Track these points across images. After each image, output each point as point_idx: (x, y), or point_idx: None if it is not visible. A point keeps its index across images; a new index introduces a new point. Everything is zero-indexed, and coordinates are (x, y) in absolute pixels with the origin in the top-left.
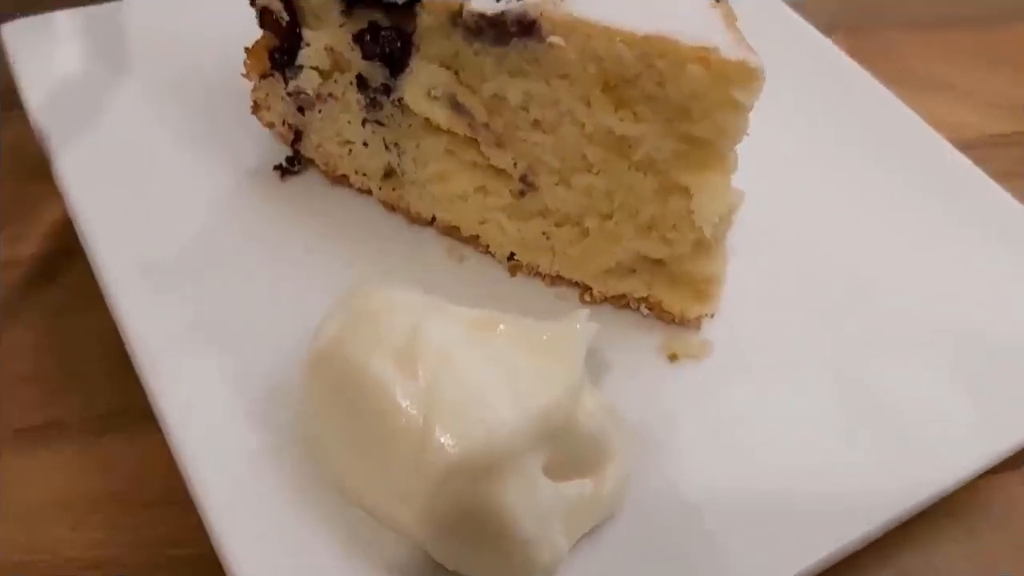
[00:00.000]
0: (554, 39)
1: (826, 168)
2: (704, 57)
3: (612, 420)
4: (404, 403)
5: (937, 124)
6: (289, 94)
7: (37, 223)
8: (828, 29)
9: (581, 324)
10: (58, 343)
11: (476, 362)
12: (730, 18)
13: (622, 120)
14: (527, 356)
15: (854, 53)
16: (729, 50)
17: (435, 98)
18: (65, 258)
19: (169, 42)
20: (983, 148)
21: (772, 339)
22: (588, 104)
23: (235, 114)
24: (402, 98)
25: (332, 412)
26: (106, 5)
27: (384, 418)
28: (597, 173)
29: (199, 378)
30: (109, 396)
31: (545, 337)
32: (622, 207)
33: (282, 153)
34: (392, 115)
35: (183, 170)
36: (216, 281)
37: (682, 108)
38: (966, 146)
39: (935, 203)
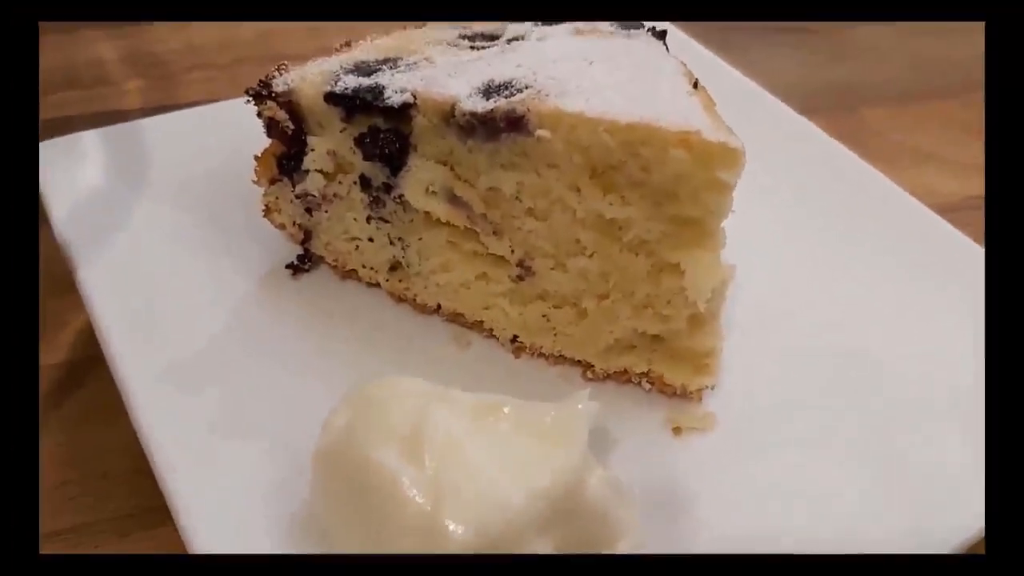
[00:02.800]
0: (541, 132)
1: (813, 239)
2: (686, 140)
3: (620, 497)
4: (412, 492)
5: (921, 192)
6: (297, 196)
7: (66, 332)
8: (805, 113)
9: (583, 404)
10: (84, 449)
11: (482, 448)
12: (708, 104)
13: (611, 204)
14: (531, 439)
15: (833, 132)
16: (710, 133)
17: (433, 193)
18: (92, 364)
19: (184, 155)
20: (967, 210)
21: (774, 409)
22: (578, 191)
23: (247, 218)
24: (403, 195)
25: (342, 503)
26: (127, 124)
27: (393, 507)
28: (591, 256)
29: (214, 479)
30: (130, 498)
31: (548, 419)
32: (617, 287)
33: (293, 252)
34: (395, 211)
35: (199, 275)
36: (232, 383)
37: (668, 190)
38: (951, 209)
39: (920, 267)
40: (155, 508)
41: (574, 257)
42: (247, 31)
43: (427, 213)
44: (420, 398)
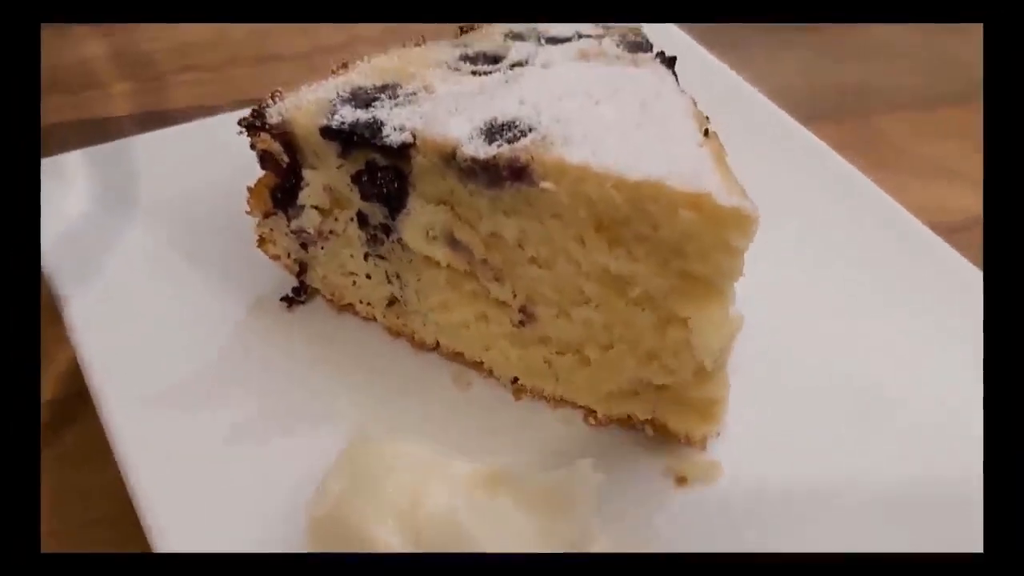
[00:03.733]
0: (546, 184)
1: (814, 267)
2: (697, 203)
3: None
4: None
5: (934, 207)
6: (292, 231)
7: (53, 366)
8: (811, 118)
9: (586, 474)
10: (71, 494)
11: (479, 525)
12: (720, 156)
13: (617, 259)
14: (531, 514)
15: (842, 141)
16: (722, 195)
17: (434, 238)
18: (79, 402)
19: (174, 176)
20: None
21: (782, 456)
22: (583, 243)
23: (241, 245)
24: (401, 238)
25: None
26: (114, 144)
27: None
28: (595, 307)
29: (200, 531)
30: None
31: (548, 493)
32: (621, 338)
33: (288, 282)
34: (393, 250)
35: (191, 307)
36: (222, 423)
37: (676, 248)
38: (965, 227)
39: (925, 294)
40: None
41: (578, 307)
42: (238, 30)
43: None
44: (417, 469)
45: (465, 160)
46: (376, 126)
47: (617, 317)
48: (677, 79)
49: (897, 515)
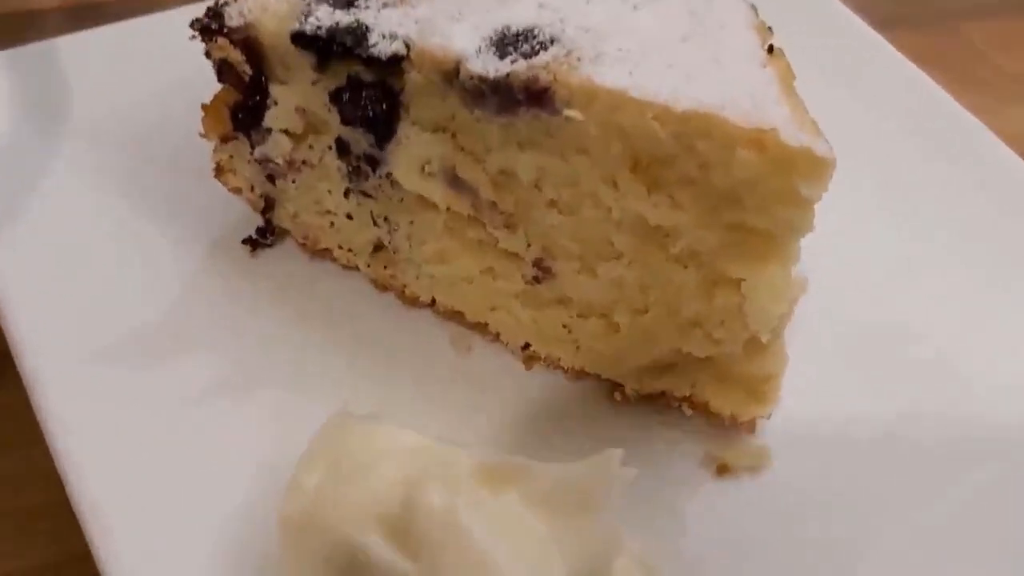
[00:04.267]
0: (571, 112)
1: (886, 215)
2: (759, 141)
3: None
4: None
5: None
6: (257, 160)
7: None
8: (888, 23)
9: (611, 467)
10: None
11: (485, 530)
12: (787, 79)
13: (656, 206)
14: (546, 516)
15: (922, 54)
16: (791, 132)
17: (430, 174)
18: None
19: (113, 87)
20: None
21: (844, 443)
22: (614, 186)
23: (194, 175)
24: (391, 173)
25: None
26: (38, 45)
27: None
28: (628, 263)
29: (149, 529)
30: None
31: (567, 489)
32: (658, 302)
33: (252, 222)
34: (380, 186)
35: (133, 250)
36: (174, 396)
37: (731, 195)
38: None
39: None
40: (86, 556)
41: (606, 262)
42: None
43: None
44: (410, 461)
45: (471, 78)
46: (360, 32)
47: (654, 276)
48: None
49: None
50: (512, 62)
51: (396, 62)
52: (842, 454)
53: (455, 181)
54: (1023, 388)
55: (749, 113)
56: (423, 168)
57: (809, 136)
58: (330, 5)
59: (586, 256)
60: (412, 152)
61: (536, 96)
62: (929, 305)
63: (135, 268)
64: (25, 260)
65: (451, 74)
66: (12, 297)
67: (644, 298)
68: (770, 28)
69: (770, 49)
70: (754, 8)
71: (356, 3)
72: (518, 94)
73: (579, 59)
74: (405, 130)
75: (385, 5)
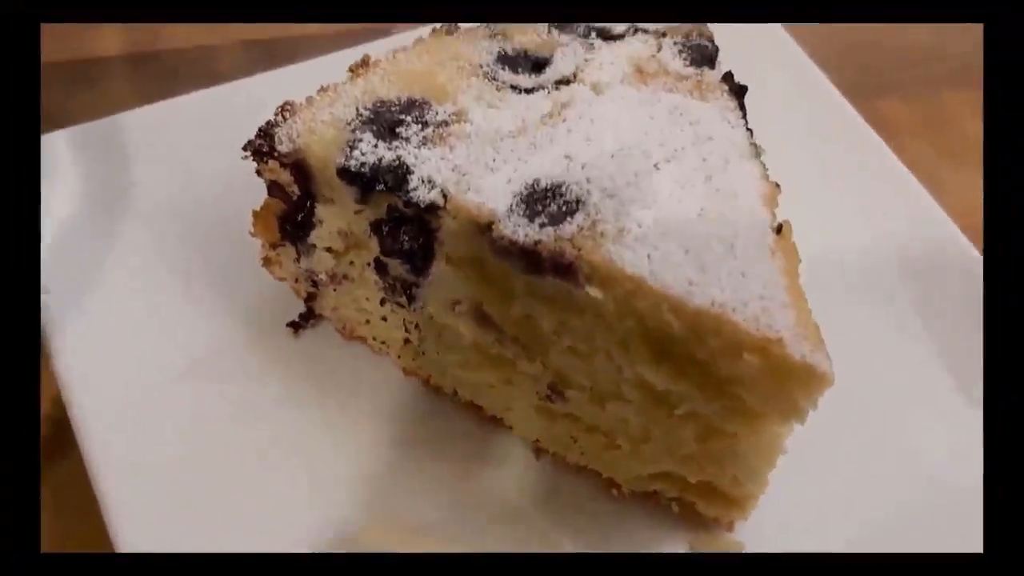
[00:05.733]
0: (592, 291)
1: (873, 316)
2: (765, 349)
3: None
4: None
5: None
6: (302, 269)
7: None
8: (879, 92)
9: None
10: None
11: None
12: (793, 268)
13: (663, 375)
14: None
15: (908, 122)
16: (794, 343)
17: (460, 313)
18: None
19: (169, 163)
20: None
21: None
22: (627, 349)
23: (243, 257)
24: (424, 306)
25: None
26: (99, 122)
27: None
28: (634, 410)
29: None
30: None
31: None
32: (658, 440)
33: (294, 303)
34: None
35: (185, 328)
36: (221, 472)
37: (734, 380)
38: None
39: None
40: None
41: (614, 402)
42: None
43: None
44: None
45: (502, 239)
46: (401, 173)
47: (656, 424)
48: (746, 114)
49: None
50: (540, 225)
51: (433, 209)
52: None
53: (482, 317)
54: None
55: (758, 318)
56: (453, 306)
57: (811, 348)
58: (374, 135)
59: (596, 392)
60: (444, 292)
61: (561, 269)
62: (908, 413)
63: (186, 346)
64: (85, 342)
65: (484, 227)
66: (74, 379)
67: (645, 433)
68: (778, 185)
69: (779, 229)
70: (758, 154)
71: (398, 130)
72: (545, 263)
73: (602, 233)
74: (438, 267)
75: (425, 141)
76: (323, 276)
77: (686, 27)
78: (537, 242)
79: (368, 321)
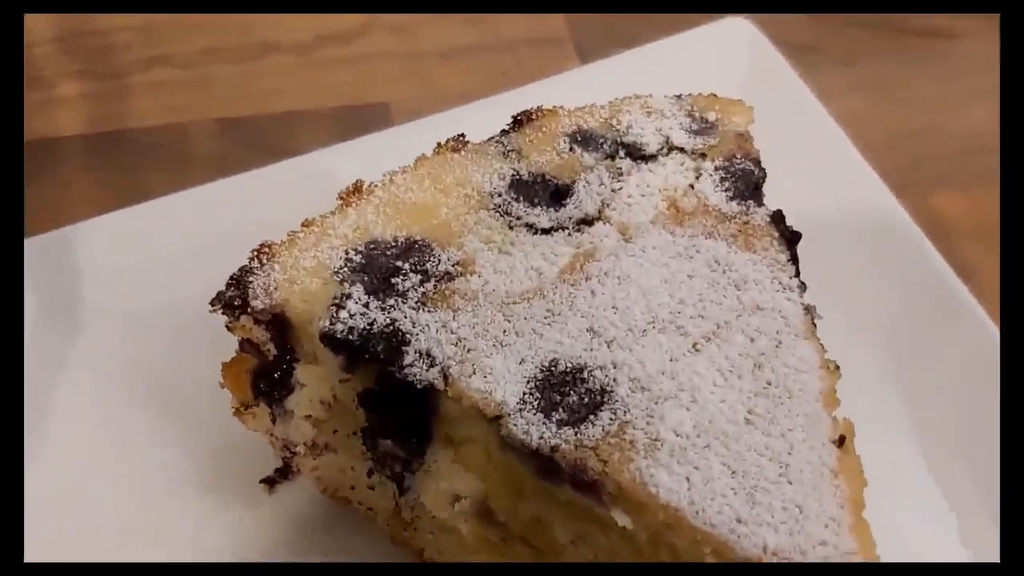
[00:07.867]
0: (620, 517)
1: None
2: None
3: None
4: None
5: None
6: (277, 436)
7: None
8: (925, 182)
9: None
10: None
11: None
12: (857, 491)
13: None
14: None
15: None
16: None
17: (460, 511)
18: None
19: (138, 275)
20: None
21: None
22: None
23: (213, 399)
24: (418, 498)
25: None
26: (63, 232)
27: None
28: None
29: None
30: None
31: None
32: None
33: (269, 457)
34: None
35: (141, 485)
36: None
37: None
38: None
39: None
40: None
41: None
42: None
43: None
44: None
45: (512, 438)
46: (396, 343)
47: None
48: (797, 264)
49: None
50: (559, 424)
51: (431, 392)
52: None
53: (485, 513)
54: None
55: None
56: (453, 501)
57: None
58: (365, 289)
59: None
60: (442, 484)
61: (583, 485)
62: None
63: (145, 507)
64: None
65: (491, 421)
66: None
67: None
68: (837, 367)
69: (841, 440)
70: (814, 328)
71: (394, 283)
72: (564, 473)
73: (632, 443)
74: (435, 454)
75: (424, 300)
76: (301, 448)
77: (728, 146)
78: (554, 448)
79: (353, 487)
